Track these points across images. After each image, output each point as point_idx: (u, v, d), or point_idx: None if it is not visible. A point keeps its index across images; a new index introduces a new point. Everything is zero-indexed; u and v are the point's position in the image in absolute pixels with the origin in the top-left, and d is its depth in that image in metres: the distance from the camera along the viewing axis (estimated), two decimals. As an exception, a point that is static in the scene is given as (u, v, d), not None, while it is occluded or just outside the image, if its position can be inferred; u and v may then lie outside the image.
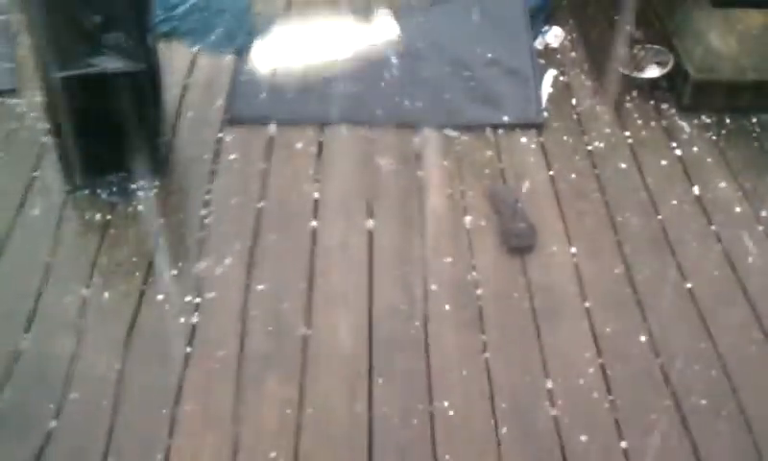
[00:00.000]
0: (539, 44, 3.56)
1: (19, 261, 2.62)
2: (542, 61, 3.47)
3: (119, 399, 2.24)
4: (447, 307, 2.51)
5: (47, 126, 2.97)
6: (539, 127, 3.17)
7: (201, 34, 3.53)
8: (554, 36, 3.61)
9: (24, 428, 2.17)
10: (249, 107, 3.19)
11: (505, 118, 3.19)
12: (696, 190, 2.92)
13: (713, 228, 2.78)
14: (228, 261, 2.62)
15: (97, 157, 2.83)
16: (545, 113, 3.23)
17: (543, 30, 3.62)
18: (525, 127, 3.17)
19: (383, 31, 3.59)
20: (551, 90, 3.35)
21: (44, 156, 2.96)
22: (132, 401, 2.24)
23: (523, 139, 3.12)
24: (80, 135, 2.77)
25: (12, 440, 2.14)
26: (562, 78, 3.41)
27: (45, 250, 2.65)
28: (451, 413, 2.24)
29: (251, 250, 2.66)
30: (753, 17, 3.24)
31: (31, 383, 2.28)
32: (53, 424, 2.18)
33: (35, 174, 2.91)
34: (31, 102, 3.17)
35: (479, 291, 2.56)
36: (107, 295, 2.52)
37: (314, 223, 2.77)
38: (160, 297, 2.52)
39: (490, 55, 3.43)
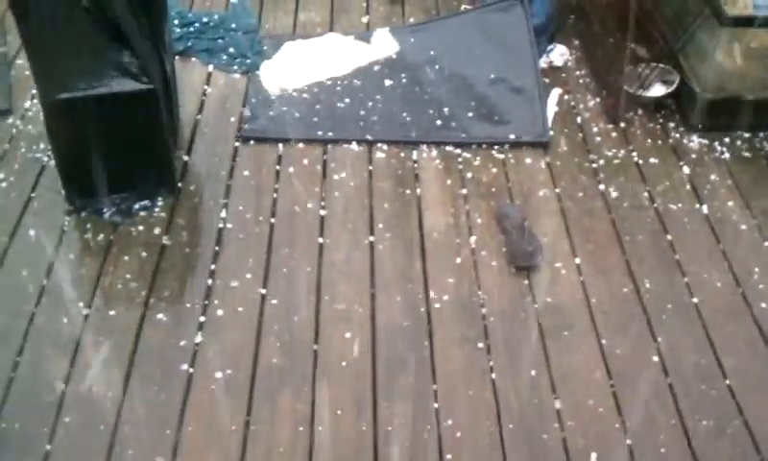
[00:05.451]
0: (543, 63, 3.54)
1: (15, 282, 2.58)
2: (547, 80, 3.45)
3: (120, 420, 2.21)
4: (452, 326, 2.48)
5: (44, 145, 2.95)
6: (545, 145, 3.15)
7: (213, 52, 3.62)
8: (559, 54, 3.59)
9: (22, 450, 2.14)
10: (259, 124, 3.22)
11: (511, 136, 3.18)
12: (705, 209, 2.89)
13: (721, 246, 2.76)
14: (239, 278, 2.61)
15: (101, 176, 2.78)
16: (551, 132, 3.21)
17: (548, 49, 3.60)
18: (531, 145, 3.15)
19: (384, 49, 3.58)
20: (557, 109, 3.33)
21: (42, 176, 2.94)
22: (133, 423, 2.21)
23: (528, 159, 3.10)
24: (83, 156, 2.72)
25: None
26: (566, 97, 3.40)
27: (43, 270, 2.62)
28: (459, 434, 2.21)
29: (265, 265, 2.65)
30: (759, 36, 3.21)
31: (26, 406, 2.25)
32: (48, 447, 2.15)
33: (32, 195, 2.89)
34: (25, 122, 3.16)
35: (484, 310, 2.53)
36: (112, 313, 2.50)
37: (320, 239, 2.76)
38: (161, 316, 2.50)
39: (493, 75, 3.41)
